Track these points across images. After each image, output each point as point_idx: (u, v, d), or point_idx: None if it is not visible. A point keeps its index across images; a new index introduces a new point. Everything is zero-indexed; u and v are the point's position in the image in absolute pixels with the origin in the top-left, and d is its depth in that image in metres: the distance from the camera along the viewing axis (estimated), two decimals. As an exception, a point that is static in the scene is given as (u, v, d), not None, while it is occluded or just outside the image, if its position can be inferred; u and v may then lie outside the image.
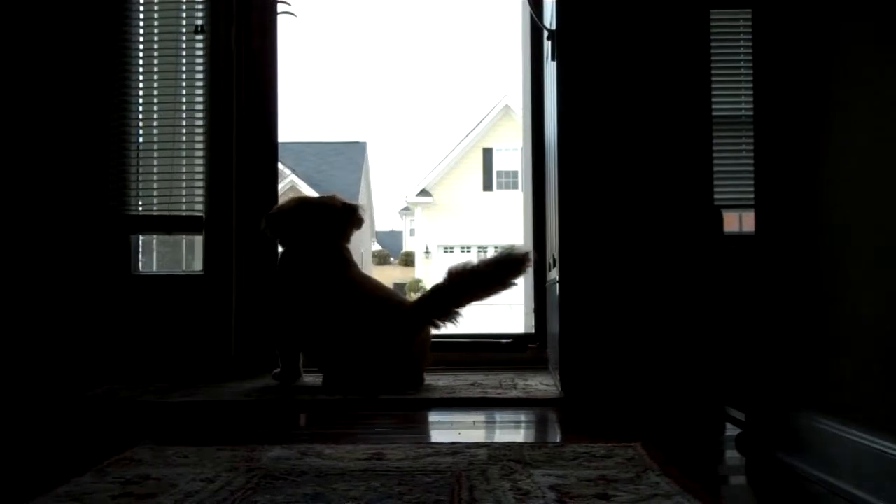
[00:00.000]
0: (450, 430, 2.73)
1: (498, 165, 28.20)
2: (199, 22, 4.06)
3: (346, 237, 3.75)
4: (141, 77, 4.06)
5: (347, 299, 3.52)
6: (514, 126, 25.66)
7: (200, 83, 4.06)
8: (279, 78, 4.18)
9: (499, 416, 2.99)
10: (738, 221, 3.97)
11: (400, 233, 38.33)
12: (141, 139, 4.07)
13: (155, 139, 4.08)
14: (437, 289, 3.57)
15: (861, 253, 1.79)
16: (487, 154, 28.21)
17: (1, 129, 3.95)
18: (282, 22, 4.21)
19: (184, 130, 4.08)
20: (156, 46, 4.07)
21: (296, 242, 3.69)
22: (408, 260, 32.42)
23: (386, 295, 3.67)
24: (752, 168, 2.36)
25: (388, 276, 30.02)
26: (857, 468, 1.73)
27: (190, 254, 4.67)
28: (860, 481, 1.72)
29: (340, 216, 3.72)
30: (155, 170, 4.07)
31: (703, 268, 3.26)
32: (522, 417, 2.95)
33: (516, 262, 3.51)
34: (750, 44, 2.41)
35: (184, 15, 4.08)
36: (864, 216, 1.78)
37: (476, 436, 2.60)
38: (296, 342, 3.64)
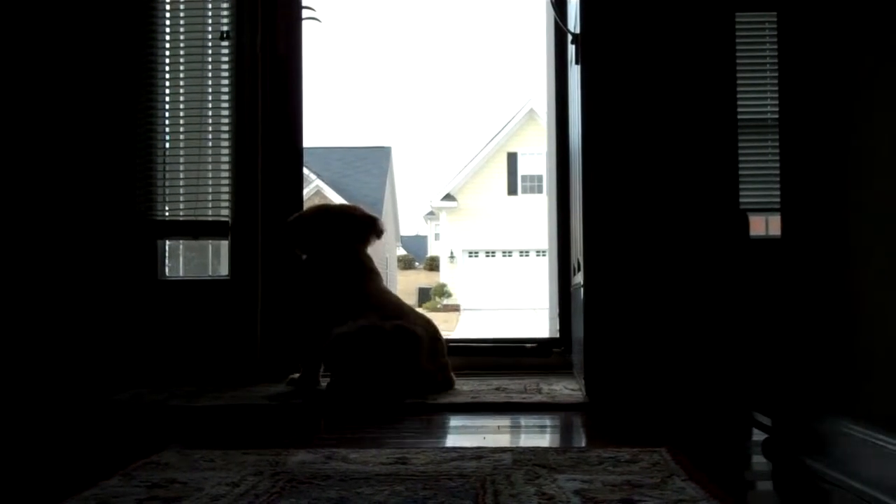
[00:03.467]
0: (475, 434, 2.73)
1: (522, 170, 28.12)
2: (225, 28, 4.09)
3: (366, 245, 3.76)
4: (167, 83, 4.10)
5: (359, 314, 3.48)
6: (538, 130, 25.60)
7: (226, 89, 4.09)
8: (304, 83, 4.20)
9: (524, 420, 2.99)
10: (765, 225, 3.94)
11: (425, 237, 38.36)
12: (167, 144, 4.11)
13: (181, 144, 4.11)
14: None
15: (889, 257, 1.77)
16: (512, 158, 28.14)
17: (31, 136, 4.00)
18: (307, 27, 4.24)
19: (210, 136, 4.11)
20: (182, 52, 4.11)
21: (315, 251, 3.71)
22: (433, 265, 32.41)
23: (399, 315, 3.55)
24: (778, 171, 2.35)
25: (412, 280, 30.04)
26: (885, 474, 1.71)
27: (216, 258, 4.70)
28: (887, 487, 1.69)
29: (359, 225, 3.74)
30: (181, 175, 4.10)
31: (729, 272, 3.24)
32: (547, 422, 2.95)
33: None
34: (775, 46, 2.39)
35: (209, 21, 4.11)
36: (892, 220, 1.76)
37: (501, 440, 2.60)
38: (315, 350, 3.63)
